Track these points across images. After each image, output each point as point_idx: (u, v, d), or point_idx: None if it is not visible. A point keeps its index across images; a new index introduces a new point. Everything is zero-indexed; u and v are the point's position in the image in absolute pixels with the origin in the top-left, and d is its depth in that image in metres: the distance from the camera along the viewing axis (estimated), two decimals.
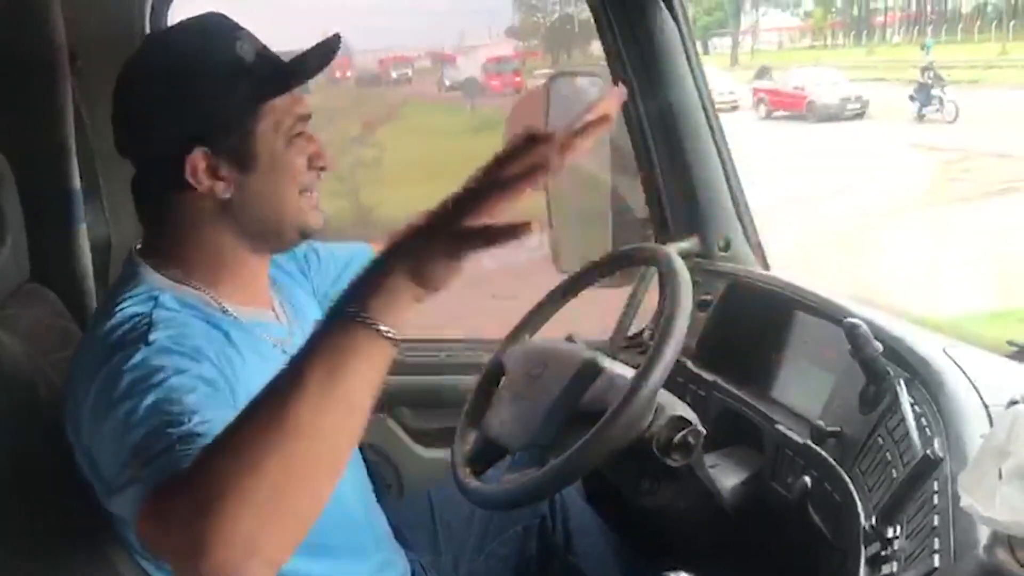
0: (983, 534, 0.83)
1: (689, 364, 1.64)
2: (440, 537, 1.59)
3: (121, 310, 1.13)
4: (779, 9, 23.31)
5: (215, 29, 1.21)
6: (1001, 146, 11.63)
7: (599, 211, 2.12)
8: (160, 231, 1.23)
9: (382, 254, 0.87)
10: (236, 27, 1.21)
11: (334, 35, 1.24)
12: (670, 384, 1.33)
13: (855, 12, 22.83)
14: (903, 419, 1.12)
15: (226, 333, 1.18)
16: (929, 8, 22.07)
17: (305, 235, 1.26)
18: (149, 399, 0.99)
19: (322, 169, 1.24)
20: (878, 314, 1.39)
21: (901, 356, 1.26)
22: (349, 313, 0.85)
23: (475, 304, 4.19)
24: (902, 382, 1.19)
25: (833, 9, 23.36)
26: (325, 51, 1.24)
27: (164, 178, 1.19)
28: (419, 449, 2.01)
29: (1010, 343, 1.42)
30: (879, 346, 1.24)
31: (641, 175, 1.94)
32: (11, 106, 1.56)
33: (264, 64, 1.20)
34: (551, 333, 1.58)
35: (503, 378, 1.47)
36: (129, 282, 1.18)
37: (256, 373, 1.11)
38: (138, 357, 1.04)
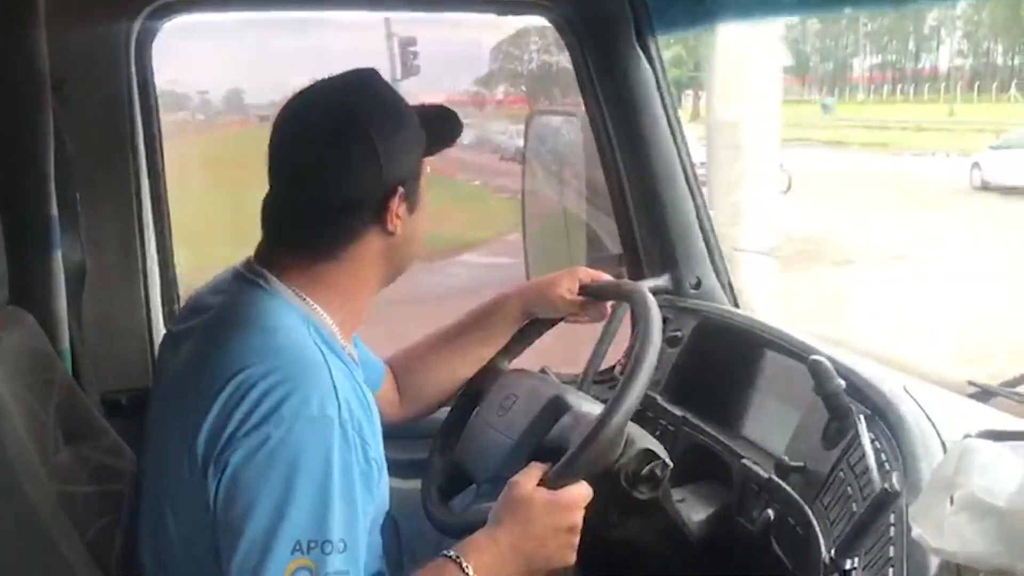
0: (934, 563, 0.85)
1: (658, 399, 1.66)
2: (406, 568, 1.59)
3: (296, 349, 1.15)
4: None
5: (385, 84, 1.30)
6: None
7: (574, 246, 2.16)
8: (313, 262, 1.24)
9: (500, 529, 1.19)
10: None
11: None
12: (639, 418, 1.35)
13: (831, 68, 23.15)
14: (864, 454, 1.15)
15: (360, 388, 1.21)
16: (905, 67, 22.42)
17: None
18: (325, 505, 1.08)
19: None
20: (842, 352, 1.42)
21: (863, 393, 1.29)
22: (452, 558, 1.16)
23: None
24: (863, 418, 1.22)
25: (811, 64, 23.67)
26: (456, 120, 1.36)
27: (352, 214, 1.23)
28: (392, 480, 2.00)
29: (970, 383, 1.46)
30: (842, 383, 1.26)
31: (615, 213, 1.98)
32: None
33: (426, 119, 1.29)
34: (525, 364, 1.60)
35: (477, 407, 1.49)
36: (275, 298, 1.21)
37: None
38: (330, 445, 1.09)
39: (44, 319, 1.53)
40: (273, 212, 1.26)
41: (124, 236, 1.86)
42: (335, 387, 1.12)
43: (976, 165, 14.71)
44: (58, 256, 1.64)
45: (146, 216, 1.89)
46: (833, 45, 23.16)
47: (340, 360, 1.19)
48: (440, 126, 1.33)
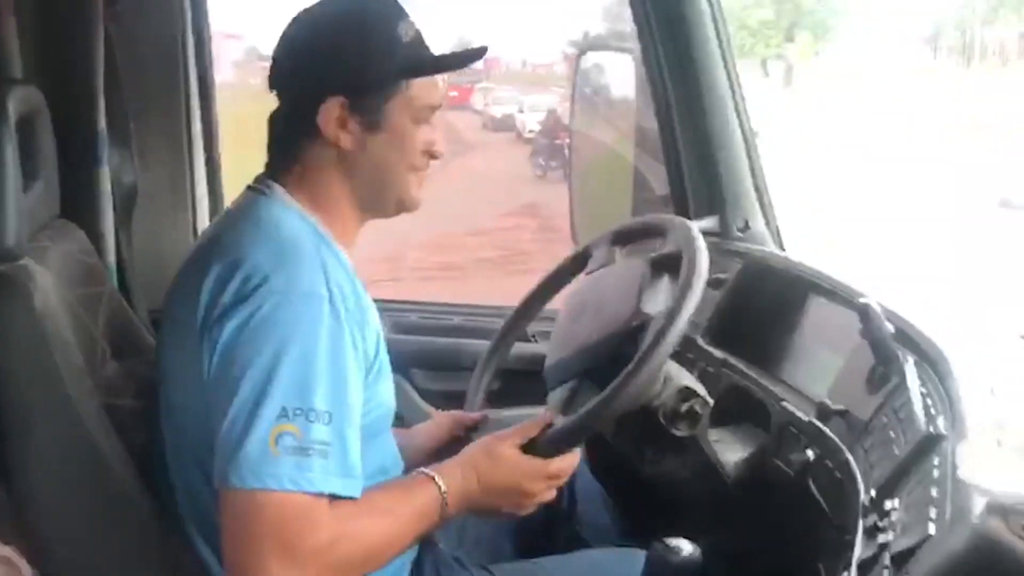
0: (978, 503, 0.83)
1: (700, 341, 1.65)
2: None
3: (289, 232, 1.20)
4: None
5: (384, 5, 1.28)
6: None
7: (620, 189, 2.13)
8: (286, 166, 1.28)
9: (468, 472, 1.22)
10: (403, 10, 1.28)
11: (482, 46, 1.34)
12: (680, 358, 1.33)
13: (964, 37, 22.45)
14: (909, 399, 1.13)
15: (356, 286, 1.24)
16: None
17: (403, 209, 1.32)
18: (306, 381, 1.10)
19: (434, 157, 1.31)
20: (890, 298, 1.39)
21: (911, 338, 1.27)
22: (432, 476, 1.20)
23: None
24: (911, 363, 1.19)
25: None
26: (473, 53, 1.34)
27: (298, 118, 1.25)
28: (431, 411, 2.02)
29: (1023, 336, 1.42)
30: (891, 327, 1.24)
31: (664, 152, 1.94)
32: (47, 45, 1.58)
33: (416, 47, 1.27)
34: None
35: None
36: (274, 201, 1.25)
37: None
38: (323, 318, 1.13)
39: (92, 234, 1.55)
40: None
41: (173, 157, 1.88)
42: (326, 272, 1.16)
43: None
44: (105, 172, 1.66)
45: (196, 138, 1.90)
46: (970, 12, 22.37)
47: (335, 257, 1.23)
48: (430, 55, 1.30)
